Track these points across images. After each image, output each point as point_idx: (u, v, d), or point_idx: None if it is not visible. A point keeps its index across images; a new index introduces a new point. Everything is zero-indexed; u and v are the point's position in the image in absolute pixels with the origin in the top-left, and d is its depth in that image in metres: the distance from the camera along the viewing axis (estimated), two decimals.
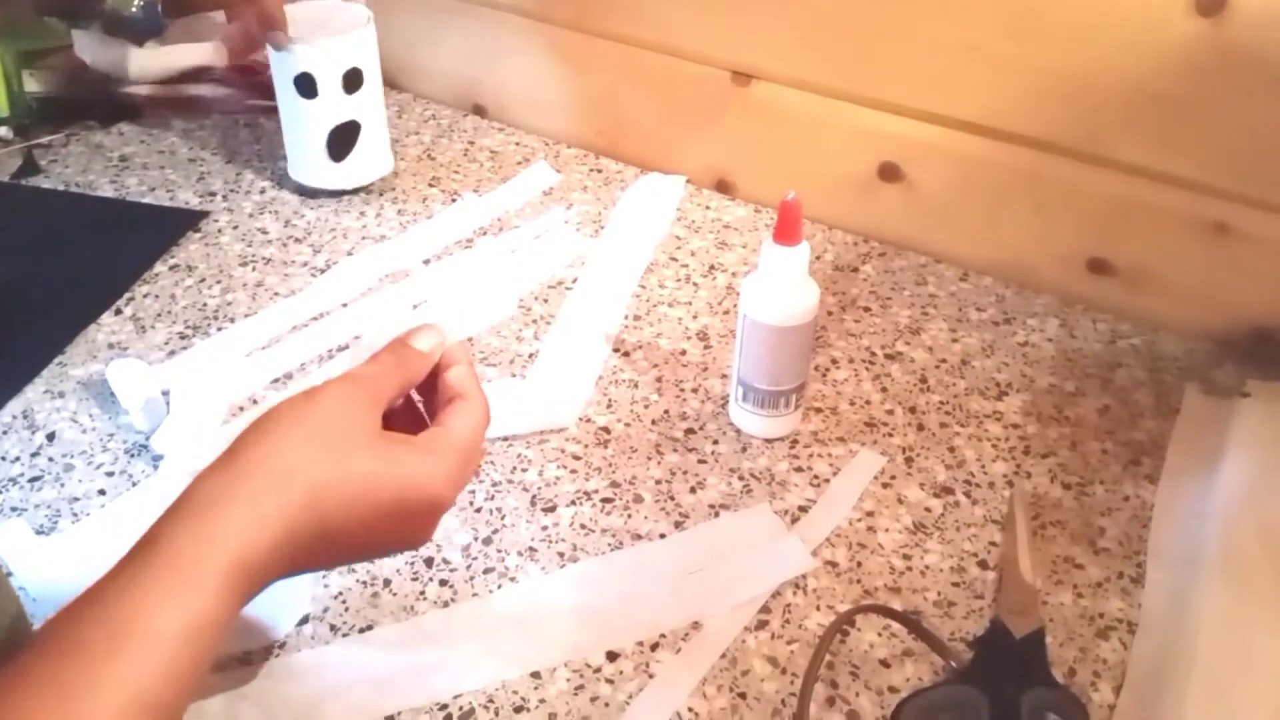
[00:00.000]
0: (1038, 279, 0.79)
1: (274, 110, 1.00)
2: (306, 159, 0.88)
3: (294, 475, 0.39)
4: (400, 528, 0.43)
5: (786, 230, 0.59)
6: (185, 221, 0.85)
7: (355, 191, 0.90)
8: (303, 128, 0.86)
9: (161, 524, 0.37)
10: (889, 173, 0.82)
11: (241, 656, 0.52)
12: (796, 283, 0.61)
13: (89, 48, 1.00)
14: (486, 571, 0.57)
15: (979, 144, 0.77)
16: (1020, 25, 0.72)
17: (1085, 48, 0.70)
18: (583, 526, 0.60)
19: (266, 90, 1.00)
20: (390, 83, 1.06)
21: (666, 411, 0.68)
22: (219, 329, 0.74)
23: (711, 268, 0.82)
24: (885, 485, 0.63)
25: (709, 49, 0.86)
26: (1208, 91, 0.68)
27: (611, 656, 0.53)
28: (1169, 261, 0.74)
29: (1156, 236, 0.74)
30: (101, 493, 0.62)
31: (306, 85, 0.83)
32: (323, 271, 0.80)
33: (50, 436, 0.66)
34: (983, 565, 0.58)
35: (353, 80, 0.84)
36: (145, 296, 0.77)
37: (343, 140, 0.86)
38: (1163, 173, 0.72)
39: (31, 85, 1.00)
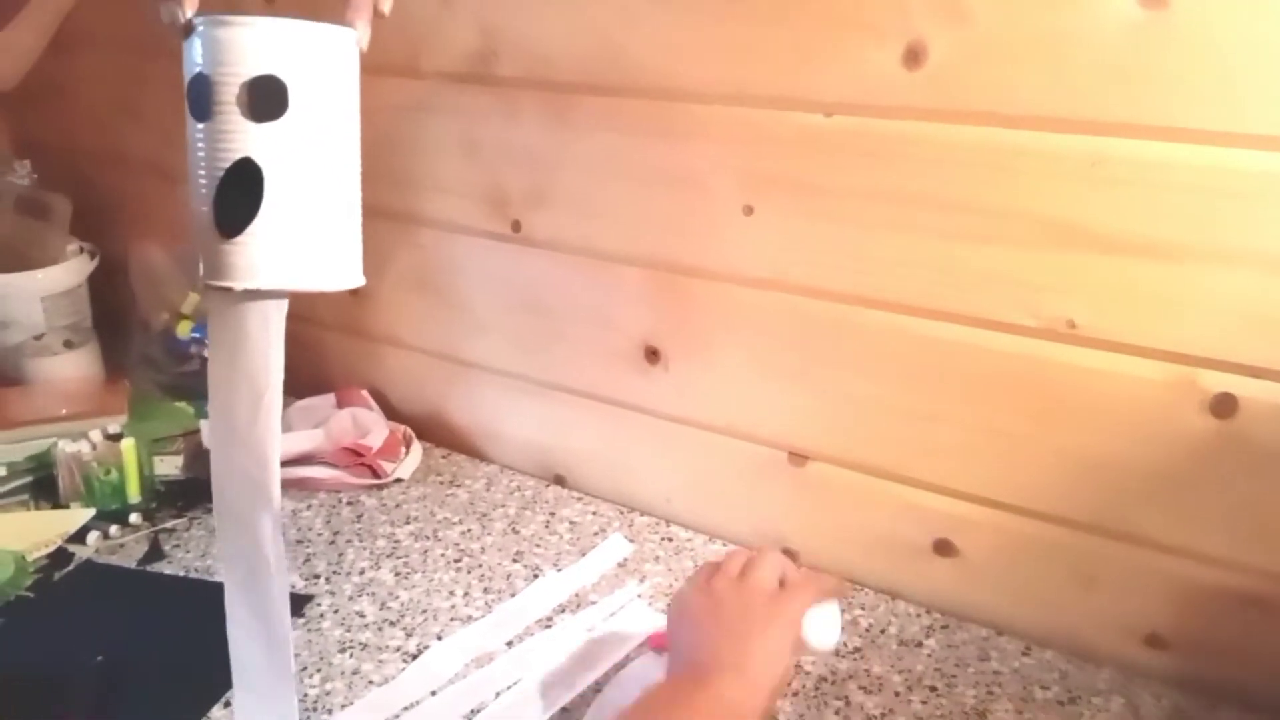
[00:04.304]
0: (1098, 652, 0.81)
1: (377, 488, 1.10)
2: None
3: None
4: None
5: None
6: (292, 607, 0.92)
7: None
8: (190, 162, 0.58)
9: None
10: (943, 548, 0.87)
11: None
12: None
13: None
14: None
15: (1023, 522, 0.82)
16: (1043, 412, 0.79)
17: (1106, 435, 0.77)
18: None
19: (371, 471, 1.11)
20: (479, 454, 1.16)
21: None
22: None
23: None
24: None
25: (765, 431, 0.94)
26: (1224, 475, 0.73)
27: None
28: (1216, 635, 0.77)
29: (1201, 612, 0.76)
30: None
31: (200, 95, 0.56)
32: (414, 657, 0.86)
33: None
34: None
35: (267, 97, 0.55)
36: None
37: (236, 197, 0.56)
38: (1195, 550, 0.76)
39: (159, 469, 1.12)
